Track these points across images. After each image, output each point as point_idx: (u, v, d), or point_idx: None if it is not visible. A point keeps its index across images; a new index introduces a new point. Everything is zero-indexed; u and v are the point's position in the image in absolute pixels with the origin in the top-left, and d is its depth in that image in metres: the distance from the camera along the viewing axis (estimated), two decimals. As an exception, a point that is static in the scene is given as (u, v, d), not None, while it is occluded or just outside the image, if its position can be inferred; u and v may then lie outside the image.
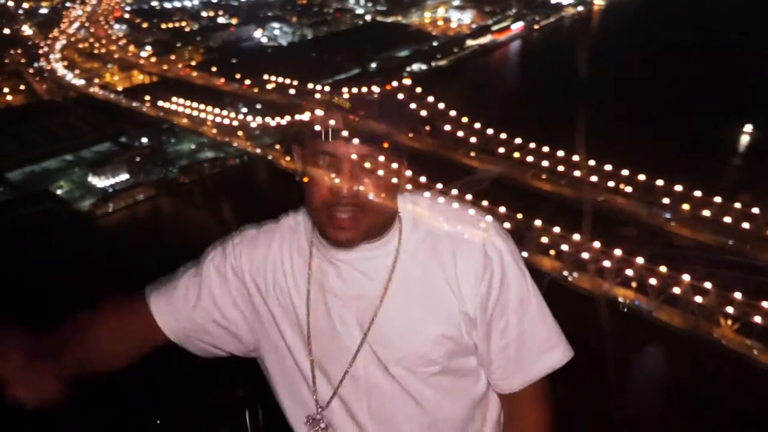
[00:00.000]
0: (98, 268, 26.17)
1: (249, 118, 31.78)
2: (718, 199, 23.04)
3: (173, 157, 34.90)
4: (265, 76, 37.99)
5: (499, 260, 1.35)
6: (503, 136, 28.87)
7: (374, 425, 1.40)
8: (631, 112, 34.89)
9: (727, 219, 22.54)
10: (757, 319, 17.92)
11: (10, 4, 63.24)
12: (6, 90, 43.04)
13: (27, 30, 56.10)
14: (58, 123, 36.76)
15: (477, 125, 29.72)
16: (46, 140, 35.22)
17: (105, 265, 26.42)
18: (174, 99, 34.81)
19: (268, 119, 30.43)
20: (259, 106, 36.60)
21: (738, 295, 18.53)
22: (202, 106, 33.71)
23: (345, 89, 1.33)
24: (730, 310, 18.64)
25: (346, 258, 1.36)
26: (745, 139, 36.64)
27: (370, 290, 1.36)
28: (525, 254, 22.63)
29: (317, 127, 1.27)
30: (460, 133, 29.46)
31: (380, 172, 1.28)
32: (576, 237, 21.60)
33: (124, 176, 32.68)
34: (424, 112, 30.42)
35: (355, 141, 1.25)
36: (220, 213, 31.91)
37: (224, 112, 32.25)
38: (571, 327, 1.51)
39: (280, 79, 37.29)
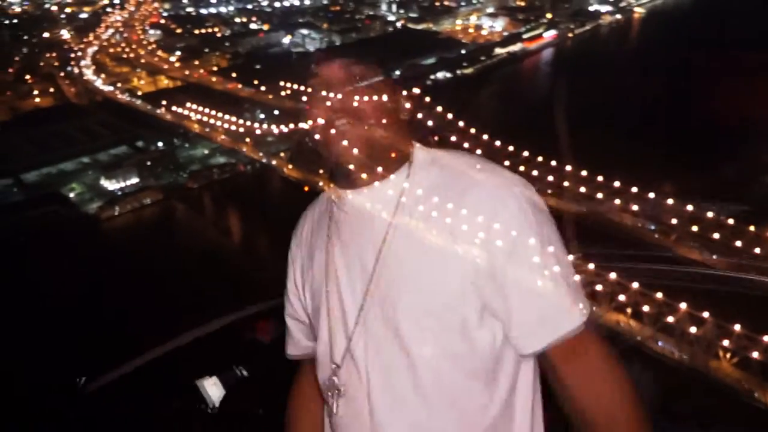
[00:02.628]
0: (96, 269, 26.46)
1: (256, 124, 31.65)
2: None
3: (186, 161, 35.12)
4: (281, 83, 37.90)
5: (517, 205, 1.22)
6: (511, 148, 27.91)
7: (379, 388, 1.30)
8: (667, 130, 32.92)
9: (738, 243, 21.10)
10: (755, 354, 16.53)
11: (54, 8, 65.63)
12: (35, 92, 44.31)
13: (65, 34, 57.88)
14: (78, 126, 37.53)
15: (485, 137, 28.82)
16: (65, 143, 35.97)
17: (103, 266, 26.69)
18: (188, 104, 35.03)
19: (273, 126, 30.24)
20: (276, 113, 36.58)
21: (737, 327, 17.18)
22: (213, 112, 33.80)
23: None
24: (728, 343, 17.29)
25: (352, 199, 1.32)
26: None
27: (373, 234, 1.29)
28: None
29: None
30: (466, 144, 28.58)
31: (374, 97, 1.32)
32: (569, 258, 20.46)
33: (134, 180, 33.02)
34: (430, 122, 29.73)
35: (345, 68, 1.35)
36: (226, 219, 31.90)
37: (233, 119, 32.22)
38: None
39: (295, 86, 37.11)
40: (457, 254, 1.21)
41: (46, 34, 57.89)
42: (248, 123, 31.62)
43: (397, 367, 1.28)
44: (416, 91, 31.60)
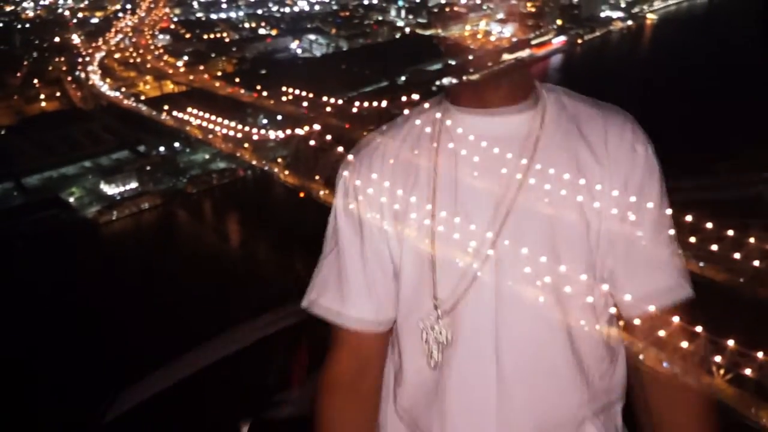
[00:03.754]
0: (91, 274, 26.48)
1: (254, 130, 31.61)
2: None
3: (186, 166, 35.12)
4: (284, 88, 37.86)
5: (645, 150, 1.21)
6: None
7: (502, 347, 1.18)
8: (677, 141, 31.61)
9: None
10: (748, 371, 15.98)
11: (66, 13, 66.32)
12: (42, 96, 44.66)
13: (76, 39, 58.38)
14: (81, 130, 37.73)
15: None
16: (67, 147, 36.17)
17: (98, 271, 26.72)
18: (189, 109, 35.08)
19: (270, 131, 30.17)
20: (279, 118, 36.54)
21: (731, 343, 16.63)
22: (212, 117, 33.81)
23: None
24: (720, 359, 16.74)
25: (481, 125, 1.22)
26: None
27: (508, 167, 1.17)
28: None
29: None
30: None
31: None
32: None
33: (133, 184, 33.08)
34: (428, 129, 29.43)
35: None
36: (224, 224, 31.82)
37: (231, 123, 32.20)
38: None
39: (297, 92, 37.07)
40: (601, 191, 1.17)
41: (56, 39, 58.44)
42: (246, 128, 31.57)
43: (528, 330, 1.19)
44: (415, 97, 31.33)
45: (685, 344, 1.30)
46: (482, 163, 1.19)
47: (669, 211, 1.24)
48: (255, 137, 30.88)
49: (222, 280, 24.71)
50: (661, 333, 1.31)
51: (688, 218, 22.34)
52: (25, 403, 18.82)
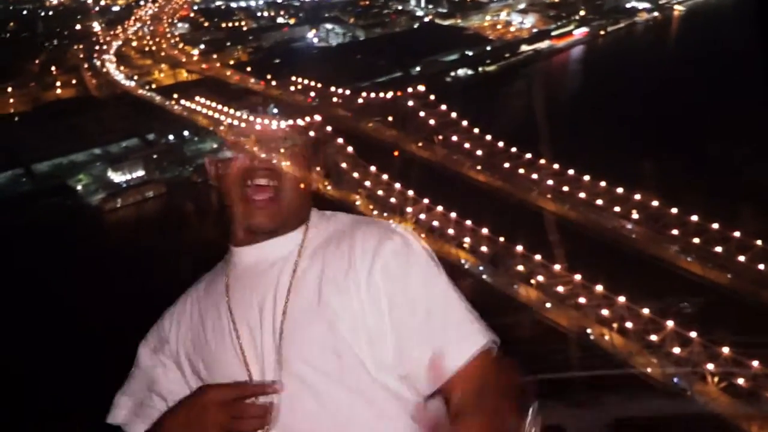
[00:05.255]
0: (93, 261, 26.60)
1: (258, 119, 31.31)
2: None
3: (193, 155, 35.07)
4: (293, 78, 37.62)
5: (401, 241, 1.35)
6: (514, 150, 26.87)
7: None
8: (700, 141, 29.35)
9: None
10: (740, 381, 15.31)
11: (90, 1, 66.96)
12: (58, 83, 45.12)
13: (96, 27, 58.92)
14: (93, 118, 37.98)
15: (488, 137, 27.82)
16: (78, 134, 36.42)
17: (100, 258, 26.82)
18: (196, 98, 35.03)
19: (273, 122, 29.85)
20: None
21: (726, 350, 15.96)
22: (218, 106, 33.70)
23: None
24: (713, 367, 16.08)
25: (254, 253, 1.42)
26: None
27: (279, 278, 1.38)
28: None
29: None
30: (467, 145, 27.65)
31: (291, 153, 1.44)
32: (556, 268, 19.49)
33: (140, 172, 33.18)
34: (432, 121, 28.92)
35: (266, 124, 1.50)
36: (226, 215, 31.69)
37: (236, 113, 32.02)
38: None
39: (305, 81, 36.78)
40: (350, 291, 1.31)
41: (78, 27, 59.05)
42: (249, 118, 31.32)
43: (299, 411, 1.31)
44: (421, 88, 30.82)
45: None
46: (255, 283, 1.40)
47: (443, 283, 1.34)
48: (258, 127, 30.60)
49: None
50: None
51: (694, 218, 21.62)
52: (28, 394, 19.00)
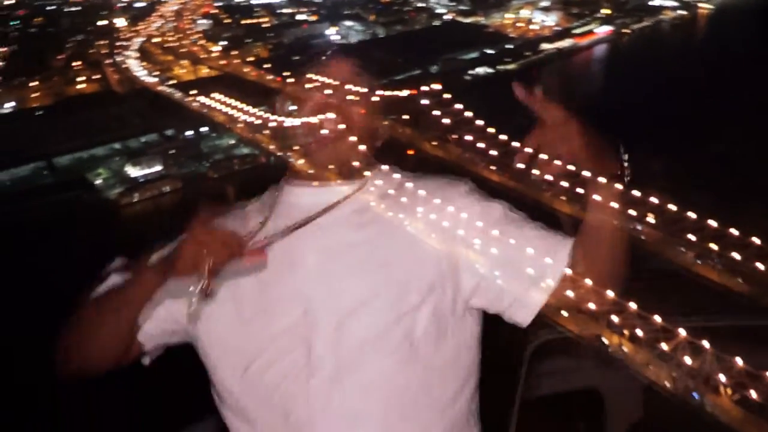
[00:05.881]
0: (107, 255, 26.92)
1: (271, 116, 31.47)
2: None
3: (210, 151, 35.37)
4: (308, 75, 37.60)
5: (466, 188, 1.47)
6: (529, 150, 26.51)
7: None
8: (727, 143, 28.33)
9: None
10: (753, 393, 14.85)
11: (115, -4, 67.76)
12: (81, 78, 45.78)
13: (119, 22, 59.60)
14: (114, 113, 38.49)
15: (502, 137, 27.50)
16: (99, 128, 36.96)
17: (113, 252, 27.13)
18: (213, 94, 35.20)
19: (287, 119, 29.94)
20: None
21: (739, 361, 15.55)
22: (235, 103, 33.84)
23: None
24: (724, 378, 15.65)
25: (308, 195, 1.44)
26: None
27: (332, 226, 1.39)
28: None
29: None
30: (481, 145, 27.35)
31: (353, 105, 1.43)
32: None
33: (158, 167, 33.51)
34: (447, 120, 28.70)
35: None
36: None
37: (251, 109, 32.15)
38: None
39: (321, 79, 36.74)
40: (421, 243, 1.34)
41: (103, 22, 59.80)
42: (265, 114, 31.47)
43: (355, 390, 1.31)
44: (436, 87, 30.48)
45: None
46: (308, 229, 1.38)
47: (514, 215, 1.43)
48: (272, 124, 30.73)
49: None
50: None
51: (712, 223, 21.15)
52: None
